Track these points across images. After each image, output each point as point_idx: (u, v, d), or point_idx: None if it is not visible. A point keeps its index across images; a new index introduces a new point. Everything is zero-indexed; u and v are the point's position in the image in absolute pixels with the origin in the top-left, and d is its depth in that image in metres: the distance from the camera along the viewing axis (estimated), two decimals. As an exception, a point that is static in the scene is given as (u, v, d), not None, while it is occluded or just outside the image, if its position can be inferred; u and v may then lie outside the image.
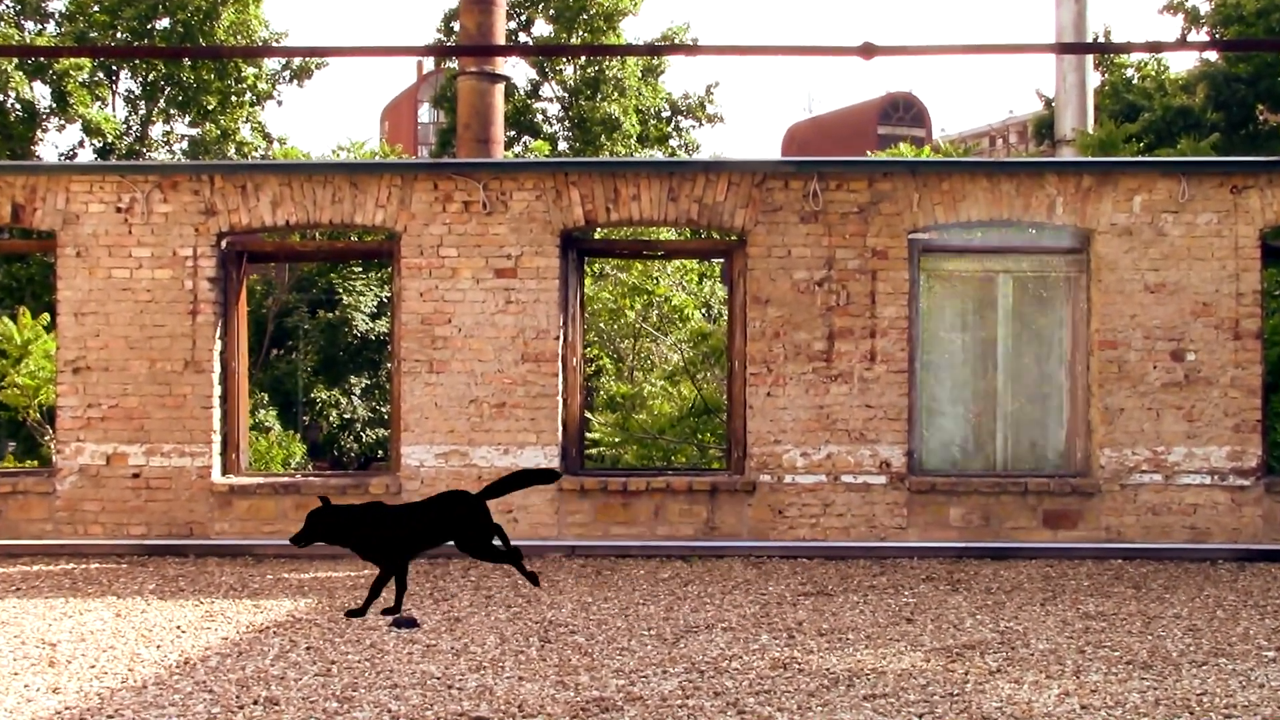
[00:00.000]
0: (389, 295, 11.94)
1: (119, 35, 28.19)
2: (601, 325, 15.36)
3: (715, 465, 11.87)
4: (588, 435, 12.20)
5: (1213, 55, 24.11)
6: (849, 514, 11.53)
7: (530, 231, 11.66)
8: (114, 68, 28.84)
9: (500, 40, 19.11)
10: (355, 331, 20.56)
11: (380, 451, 18.45)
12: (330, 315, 21.23)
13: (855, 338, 11.64)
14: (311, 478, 11.95)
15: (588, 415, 12.47)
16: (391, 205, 11.67)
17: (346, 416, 19.60)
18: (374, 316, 21.08)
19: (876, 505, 11.59)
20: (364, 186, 11.68)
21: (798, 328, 11.63)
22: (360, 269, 21.12)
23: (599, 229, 12.11)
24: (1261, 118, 23.31)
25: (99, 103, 28.82)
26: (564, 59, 32.05)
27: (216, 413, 11.74)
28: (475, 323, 11.67)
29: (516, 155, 32.69)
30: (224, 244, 11.44)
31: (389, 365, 12.11)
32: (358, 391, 20.41)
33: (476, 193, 11.57)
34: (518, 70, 34.24)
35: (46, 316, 16.76)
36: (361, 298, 20.88)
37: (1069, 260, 11.94)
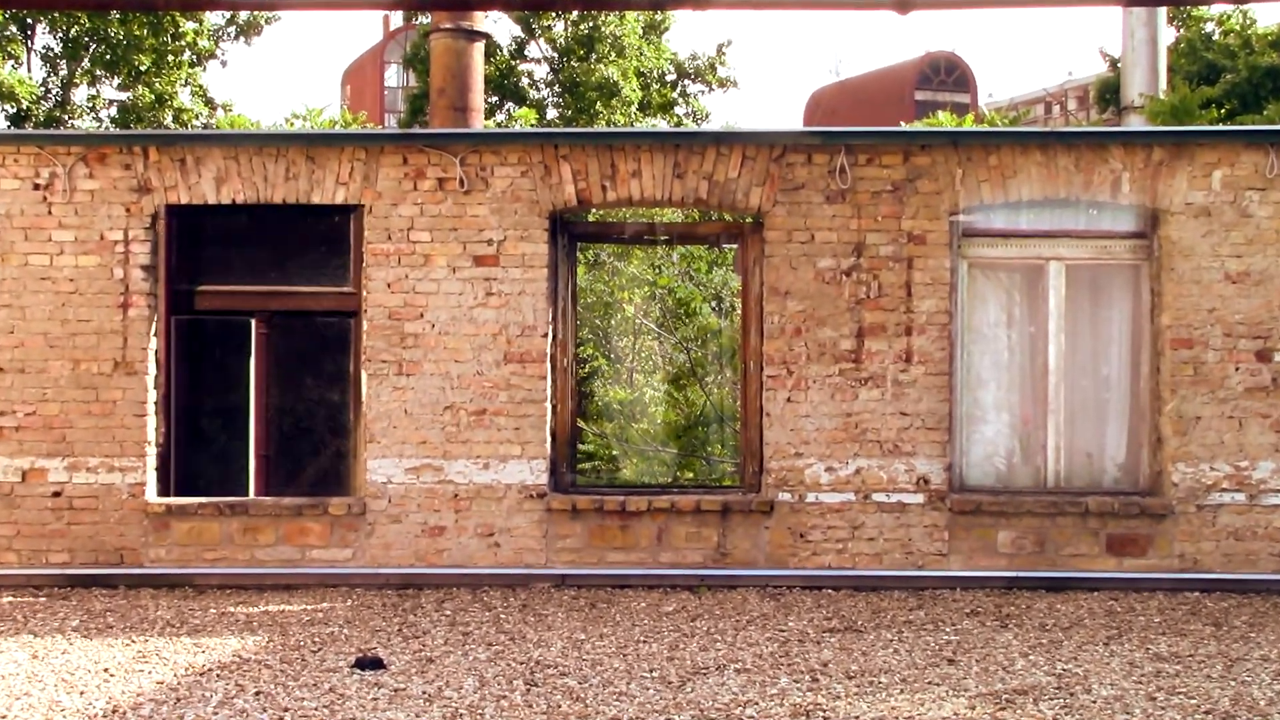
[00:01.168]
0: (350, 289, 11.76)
1: (37, -15, 28.23)
2: (597, 321, 15.38)
3: (727, 482, 11.87)
4: (581, 447, 12.22)
5: (1305, 8, 23.95)
6: (881, 538, 11.60)
7: (515, 213, 11.72)
8: (28, 21, 28.43)
9: (479, -9, 19.01)
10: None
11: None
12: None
13: (888, 335, 11.69)
14: (262, 497, 11.87)
15: (581, 424, 12.44)
16: (354, 182, 11.74)
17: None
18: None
19: (913, 528, 11.65)
20: (322, 160, 11.74)
21: (822, 323, 11.68)
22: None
23: (594, 210, 12.13)
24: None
25: (11, 62, 28.45)
26: (553, 13, 31.97)
27: (152, 421, 11.79)
28: (451, 318, 11.71)
29: (499, 125, 32.67)
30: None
31: (350, 366, 11.95)
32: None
33: (452, 168, 11.63)
34: (500, 26, 34.18)
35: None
36: None
37: (1134, 245, 12.02)
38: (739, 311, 12.47)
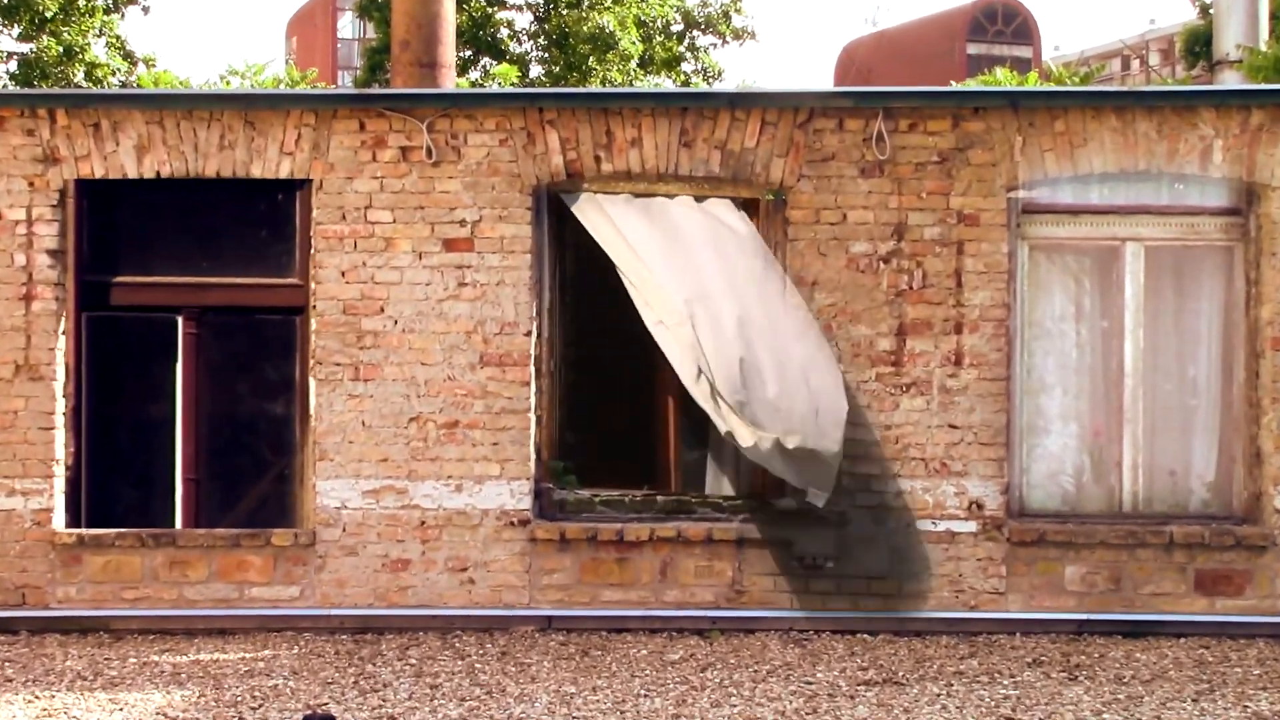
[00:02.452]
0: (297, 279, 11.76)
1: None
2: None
3: (746, 514, 11.78)
4: (572, 469, 12.17)
5: None
6: (931, 571, 11.58)
7: (492, 189, 11.72)
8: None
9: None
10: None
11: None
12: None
13: (934, 333, 11.69)
14: (192, 527, 11.86)
15: (571, 438, 12.49)
16: (302, 151, 11.70)
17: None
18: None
19: (964, 561, 11.64)
20: (264, 126, 11.72)
21: (856, 319, 11.67)
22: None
23: (586, 186, 11.91)
24: None
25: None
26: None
27: (60, 436, 11.73)
28: (417, 312, 11.70)
29: (473, 85, 32.40)
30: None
31: (296, 371, 11.96)
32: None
33: (418, 136, 11.62)
34: (474, -33, 33.69)
35: None
36: None
37: (1227, 224, 11.96)
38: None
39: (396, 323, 11.73)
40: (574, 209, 11.82)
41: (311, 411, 11.76)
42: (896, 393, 11.73)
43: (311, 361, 11.75)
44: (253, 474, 12.25)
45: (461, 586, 11.57)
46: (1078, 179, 11.78)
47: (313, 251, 11.78)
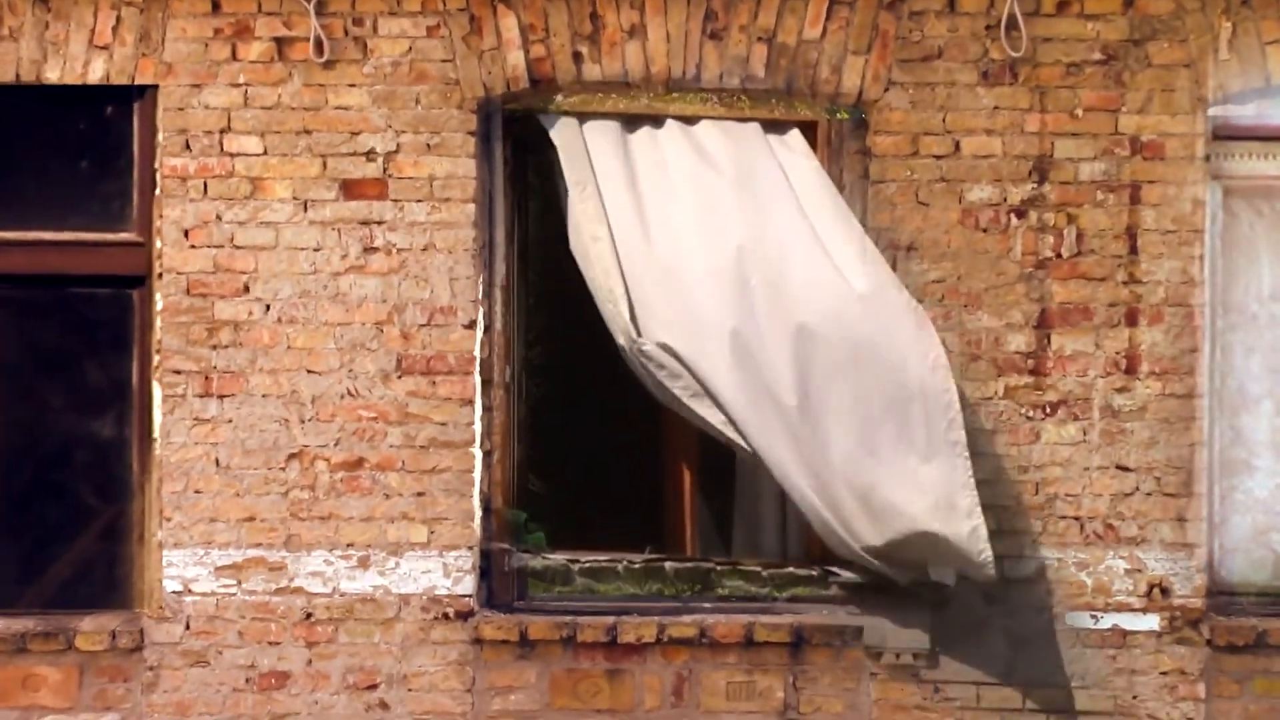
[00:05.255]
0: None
1: None
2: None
3: (802, 592, 10.08)
4: (538, 526, 10.45)
5: None
6: (1087, 688, 9.76)
7: (416, 103, 9.73)
8: None
9: None
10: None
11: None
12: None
13: (1095, 325, 9.62)
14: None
15: (536, 481, 10.87)
16: (123, 46, 9.67)
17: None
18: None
19: (1143, 676, 9.73)
20: (63, 5, 9.71)
21: (974, 304, 9.72)
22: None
23: (561, 101, 10.05)
24: None
25: None
26: None
27: None
28: (300, 293, 9.66)
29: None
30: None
31: (133, 374, 10.19)
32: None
33: (302, 21, 9.68)
34: None
35: None
36: None
37: None
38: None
39: (269, 309, 9.68)
40: (550, 133, 9.94)
41: (156, 424, 9.85)
42: (1035, 416, 9.67)
43: (155, 353, 9.87)
44: (61, 531, 10.18)
45: (369, 714, 9.63)
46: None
47: (155, 195, 9.96)
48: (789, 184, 9.63)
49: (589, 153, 9.79)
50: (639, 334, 9.36)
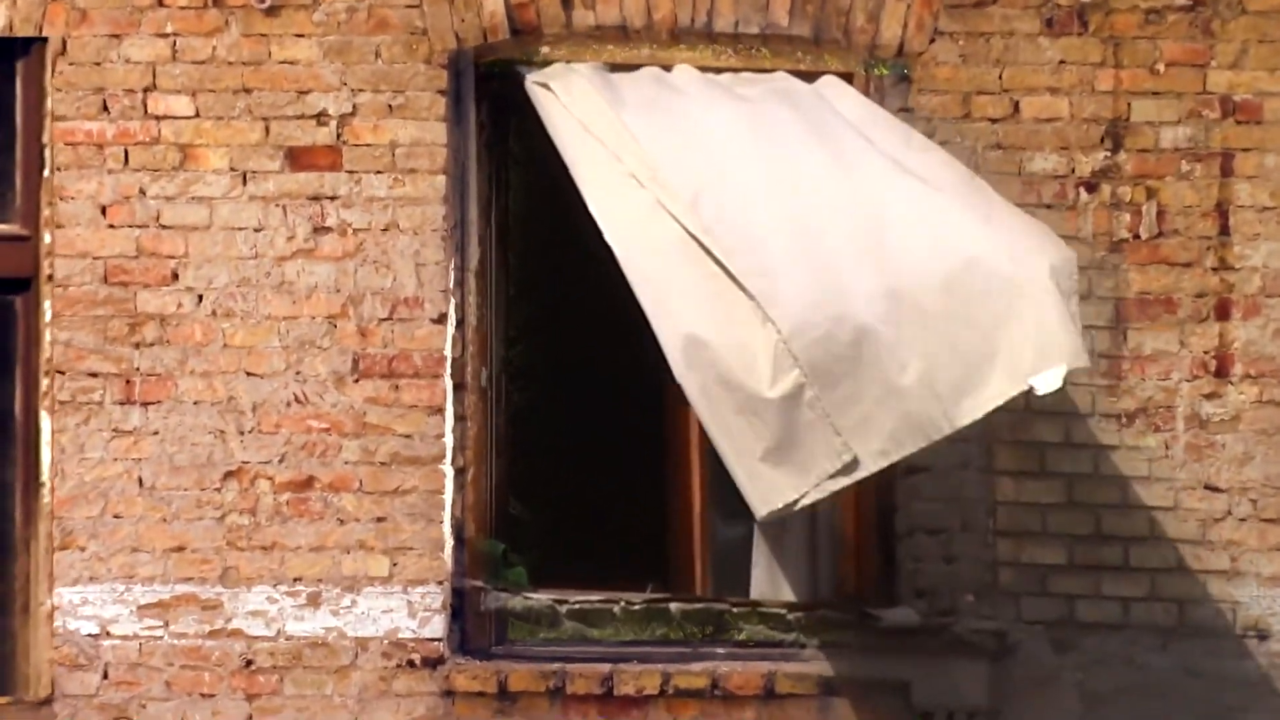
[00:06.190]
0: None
1: None
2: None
3: (835, 637, 9.32)
4: (519, 559, 9.74)
5: None
6: None
7: (375, 57, 9.26)
8: None
9: None
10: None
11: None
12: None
13: (1179, 319, 9.25)
14: None
15: (518, 505, 10.26)
16: None
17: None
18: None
19: None
20: None
21: None
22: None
23: (546, 52, 9.41)
24: None
25: None
26: None
27: None
28: (239, 281, 9.15)
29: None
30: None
31: (15, 388, 9.55)
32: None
33: None
34: None
35: None
36: None
37: None
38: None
39: (201, 300, 9.10)
40: (530, 92, 9.28)
41: (45, 464, 9.15)
42: (1110, 426, 9.18)
43: (44, 375, 9.18)
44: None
45: (311, 768, 9.86)
46: None
47: (49, 174, 9.25)
48: (861, 134, 8.79)
49: (586, 108, 8.94)
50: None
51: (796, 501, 7.98)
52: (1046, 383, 8.10)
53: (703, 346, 8.14)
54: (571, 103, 9.00)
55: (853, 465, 7.81)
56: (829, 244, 8.16)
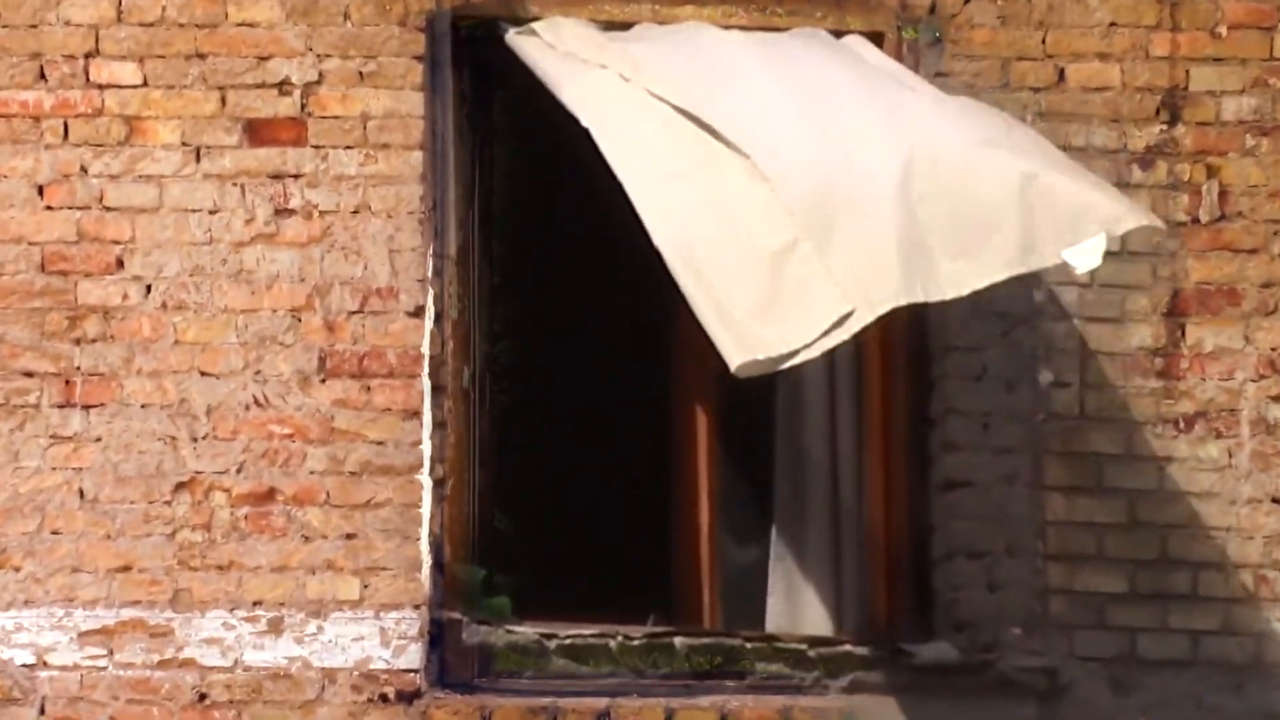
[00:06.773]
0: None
1: None
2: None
3: (863, 676, 8.77)
4: (504, 581, 9.22)
5: None
6: None
7: (344, 19, 8.81)
8: None
9: None
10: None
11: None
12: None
13: (1244, 312, 8.72)
14: None
15: (504, 522, 10.09)
16: None
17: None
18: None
19: None
20: None
21: None
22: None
23: (535, 9, 9.00)
24: None
25: None
26: None
27: None
28: (193, 267, 8.69)
29: None
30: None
31: None
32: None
33: None
34: None
35: None
36: None
37: None
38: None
39: (149, 290, 8.62)
40: (512, 44, 8.76)
41: None
42: (1165, 432, 8.63)
43: None
44: None
45: (257, 817, 9.49)
46: None
47: None
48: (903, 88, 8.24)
49: (583, 69, 8.35)
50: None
51: (787, 357, 7.32)
52: (1084, 257, 7.56)
53: (685, 208, 7.73)
54: (559, 40, 8.49)
55: (849, 317, 7.23)
56: (840, 124, 7.71)
